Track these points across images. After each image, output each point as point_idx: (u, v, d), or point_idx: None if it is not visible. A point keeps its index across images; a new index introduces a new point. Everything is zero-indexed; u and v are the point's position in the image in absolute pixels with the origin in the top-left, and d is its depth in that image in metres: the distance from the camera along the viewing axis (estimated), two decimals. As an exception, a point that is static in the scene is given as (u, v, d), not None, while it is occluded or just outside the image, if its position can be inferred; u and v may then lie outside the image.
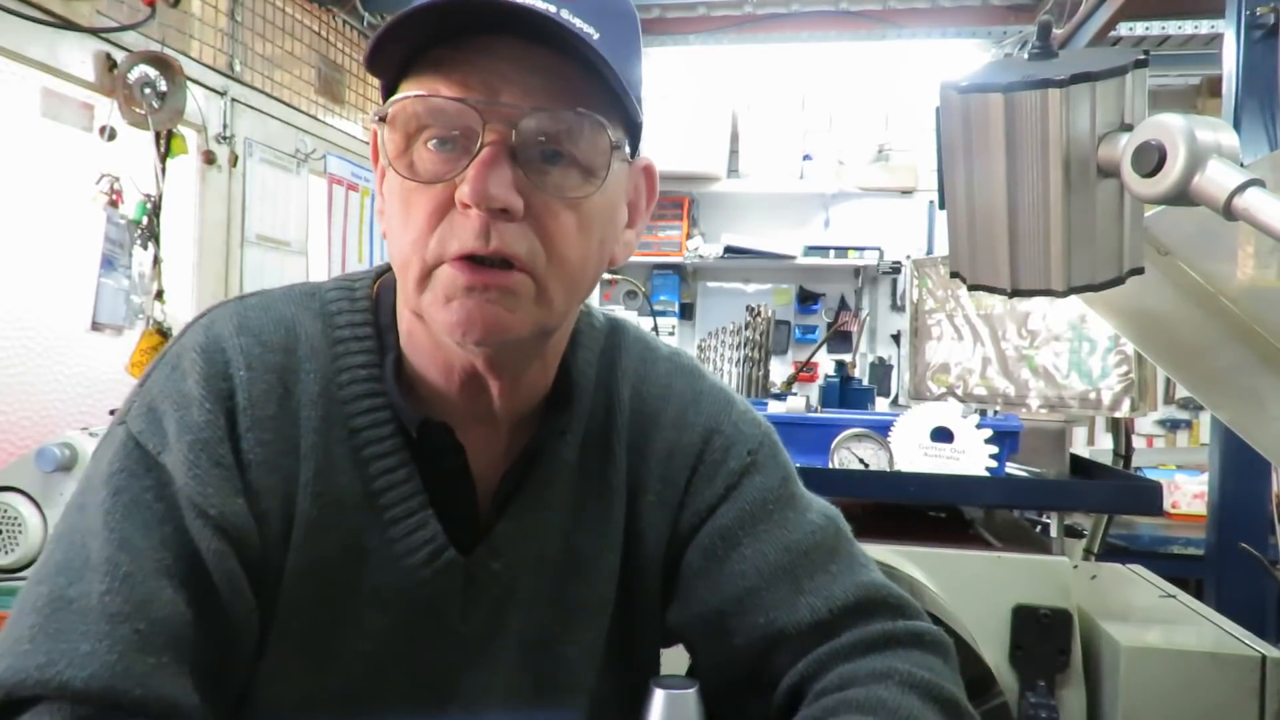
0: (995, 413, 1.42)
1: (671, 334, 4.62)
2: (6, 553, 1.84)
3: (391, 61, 0.64)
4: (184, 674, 0.61)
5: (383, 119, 0.64)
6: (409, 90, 0.63)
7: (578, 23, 0.61)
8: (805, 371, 3.99)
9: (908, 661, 0.71)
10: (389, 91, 0.66)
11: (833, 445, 1.20)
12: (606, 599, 0.77)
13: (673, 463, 0.79)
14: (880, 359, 4.35)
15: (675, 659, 1.01)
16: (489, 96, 0.61)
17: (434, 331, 0.66)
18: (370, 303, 0.74)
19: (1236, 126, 1.96)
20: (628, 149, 0.68)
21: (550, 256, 0.64)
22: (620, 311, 4.16)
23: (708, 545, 0.76)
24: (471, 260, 0.62)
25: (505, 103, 0.61)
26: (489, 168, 0.61)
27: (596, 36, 0.62)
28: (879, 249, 4.31)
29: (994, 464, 1.17)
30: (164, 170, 2.43)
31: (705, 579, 0.76)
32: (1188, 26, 3.56)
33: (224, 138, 2.85)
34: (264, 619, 0.67)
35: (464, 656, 0.72)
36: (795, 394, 1.70)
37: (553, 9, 0.61)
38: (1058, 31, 3.06)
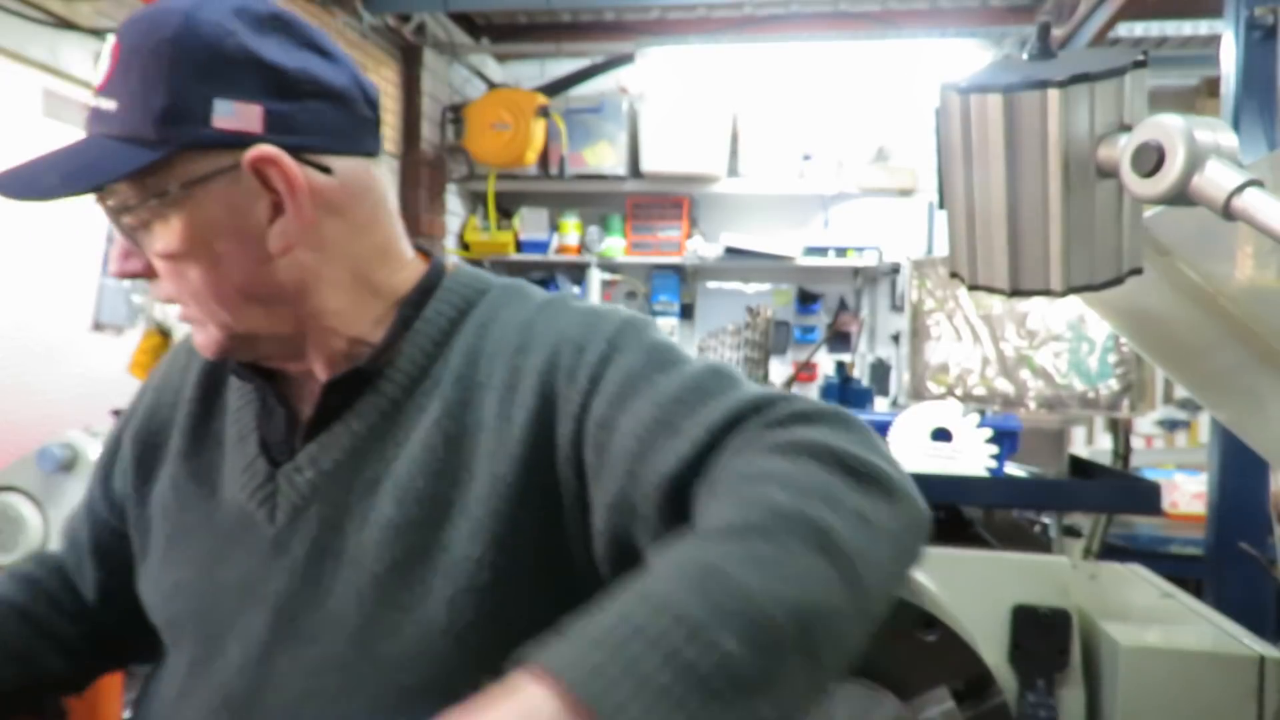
0: (994, 412, 1.42)
1: (671, 334, 4.63)
2: (7, 553, 1.85)
3: None
4: (70, 555, 0.99)
5: None
6: None
7: (108, 105, 0.75)
8: (805, 372, 3.99)
9: (784, 437, 0.67)
10: None
11: (832, 445, 1.20)
12: (415, 521, 0.78)
13: (519, 386, 0.80)
14: (880, 359, 4.36)
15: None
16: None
17: None
18: None
19: (1235, 127, 1.96)
20: (192, 173, 0.75)
21: (183, 294, 0.79)
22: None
23: (593, 441, 0.76)
24: None
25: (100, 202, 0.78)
26: (118, 248, 0.81)
27: (114, 107, 0.75)
28: (878, 249, 4.32)
29: (994, 464, 1.17)
30: (164, 170, 2.43)
31: (602, 471, 0.76)
32: (1186, 27, 3.56)
33: (224, 138, 2.86)
34: (146, 526, 0.91)
35: (271, 556, 0.83)
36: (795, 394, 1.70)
37: (96, 104, 0.76)
38: (1057, 32, 3.06)
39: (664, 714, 0.49)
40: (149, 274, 0.80)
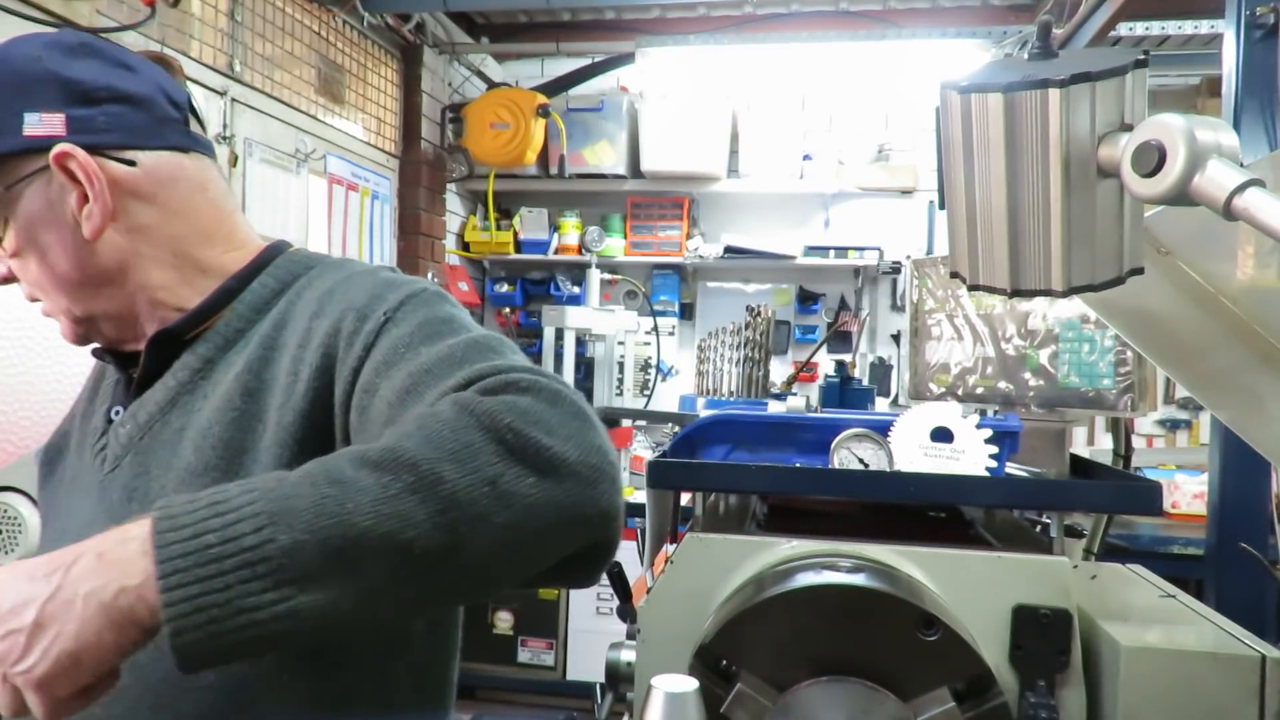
0: (995, 413, 1.42)
1: (671, 334, 4.62)
2: (6, 552, 1.84)
3: None
4: None
5: None
6: None
7: None
8: (805, 371, 3.99)
9: (478, 396, 0.73)
10: None
11: (833, 445, 1.20)
12: (211, 466, 0.87)
13: (309, 346, 0.88)
14: (880, 359, 4.35)
15: (674, 661, 1.00)
16: None
17: None
18: None
19: (1236, 126, 1.96)
20: (18, 173, 0.88)
21: (33, 288, 0.94)
22: (620, 311, 4.16)
23: (358, 404, 0.84)
24: None
25: None
26: None
27: None
28: (879, 249, 4.31)
29: (994, 464, 1.16)
30: (164, 170, 2.43)
31: (362, 432, 0.83)
32: (1188, 26, 3.56)
33: (224, 138, 2.86)
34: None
35: (98, 501, 0.94)
36: (795, 394, 1.70)
37: None
38: (1058, 31, 3.06)
39: (201, 569, 0.62)
40: (10, 278, 0.94)
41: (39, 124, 0.88)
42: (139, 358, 0.97)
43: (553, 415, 0.72)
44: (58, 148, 0.88)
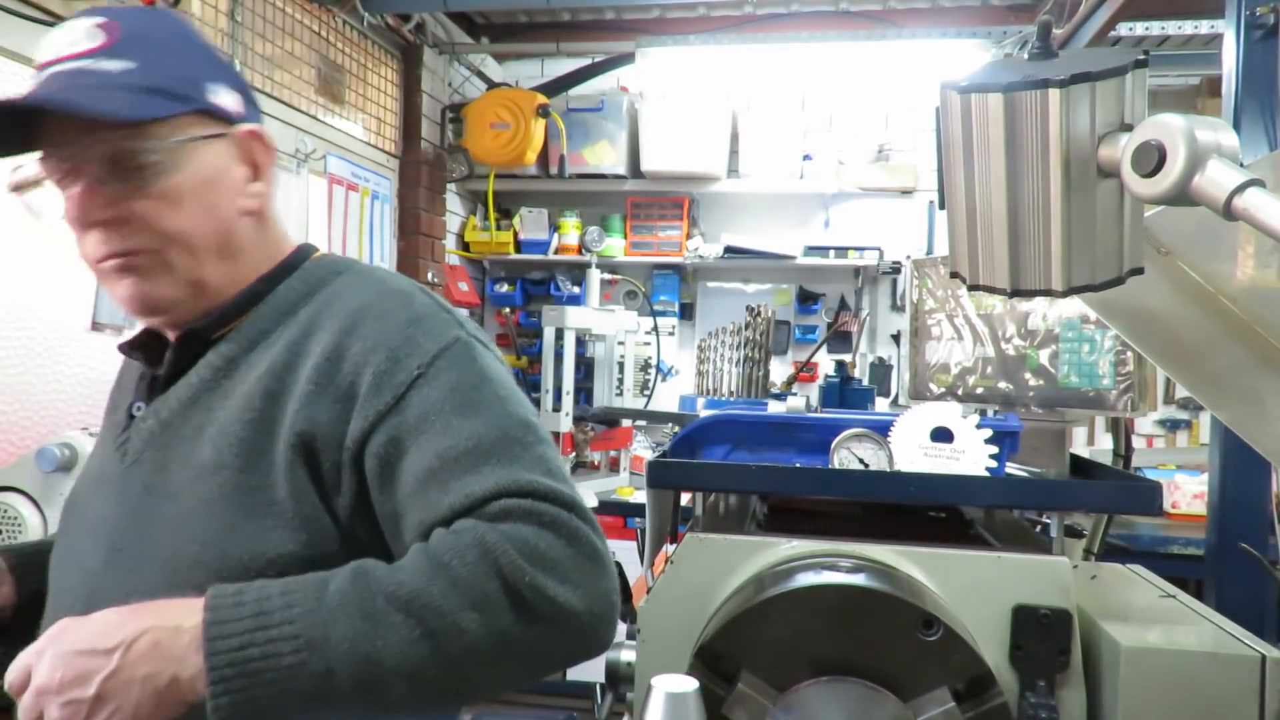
0: (995, 413, 1.42)
1: (671, 334, 4.62)
2: (6, 553, 1.84)
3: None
4: None
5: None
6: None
7: (111, 65, 0.86)
8: (805, 371, 3.99)
9: (502, 534, 0.79)
10: None
11: (833, 445, 1.20)
12: (228, 464, 0.88)
13: (340, 365, 0.90)
14: (880, 359, 4.35)
15: (674, 661, 1.00)
16: (58, 152, 0.88)
17: None
18: None
19: (1236, 126, 1.96)
20: (203, 131, 0.91)
21: (159, 236, 0.89)
22: (620, 311, 4.16)
23: (381, 453, 0.87)
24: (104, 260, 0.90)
25: (68, 154, 0.87)
26: (76, 199, 0.88)
27: (129, 66, 0.86)
28: (879, 249, 4.31)
29: (994, 464, 1.16)
30: (164, 170, 2.43)
31: (381, 483, 0.87)
32: (1188, 26, 3.56)
33: (224, 138, 2.85)
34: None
35: (116, 495, 0.94)
36: (795, 394, 1.70)
37: (87, 64, 0.86)
38: (1058, 31, 3.06)
39: (244, 679, 0.73)
40: (118, 223, 0.89)
41: (222, 95, 0.94)
42: (164, 355, 0.99)
43: (568, 559, 0.81)
44: (248, 125, 0.95)
